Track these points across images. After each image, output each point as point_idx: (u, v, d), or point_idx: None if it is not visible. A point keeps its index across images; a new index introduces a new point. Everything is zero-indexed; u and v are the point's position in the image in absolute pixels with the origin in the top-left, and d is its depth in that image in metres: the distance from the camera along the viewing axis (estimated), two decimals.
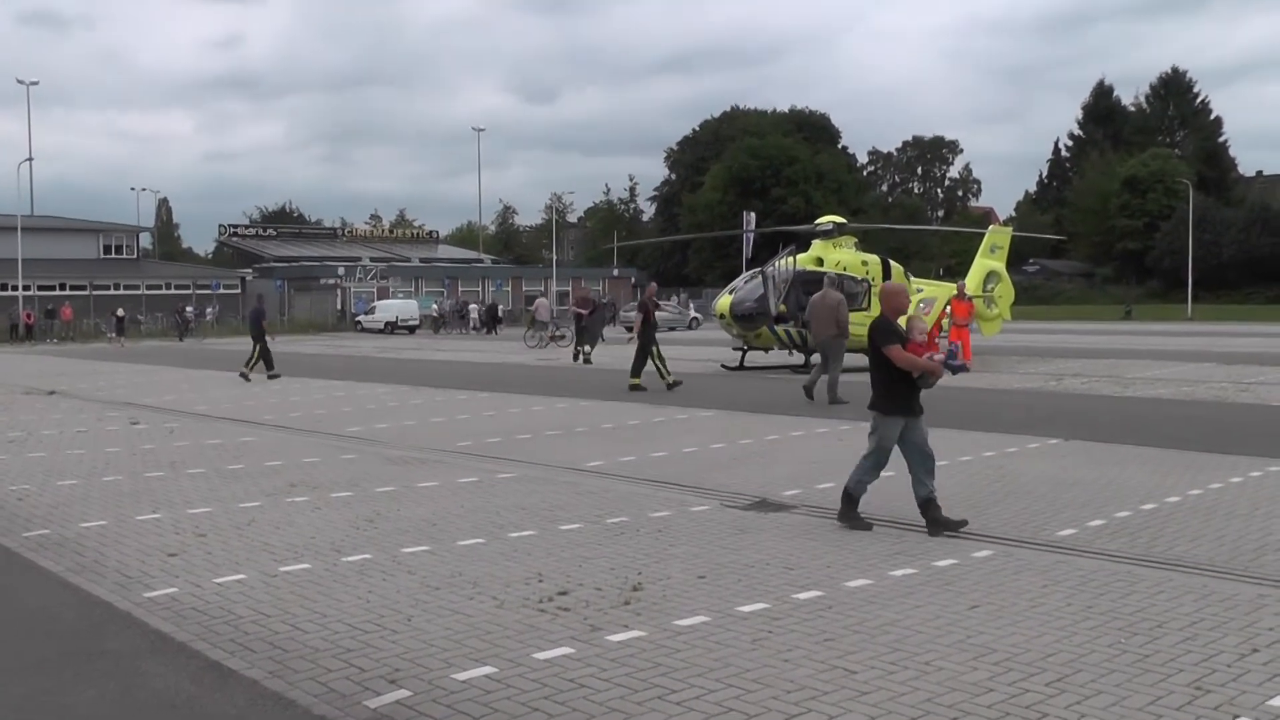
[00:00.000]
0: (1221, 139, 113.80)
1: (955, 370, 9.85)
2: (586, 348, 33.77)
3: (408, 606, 7.14)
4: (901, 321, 9.41)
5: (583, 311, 34.45)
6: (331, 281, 78.83)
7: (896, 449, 9.30)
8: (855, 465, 9.47)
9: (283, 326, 71.35)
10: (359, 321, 70.96)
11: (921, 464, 9.18)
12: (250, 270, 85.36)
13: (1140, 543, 8.72)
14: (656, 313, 33.47)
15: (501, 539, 9.06)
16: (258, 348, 28.54)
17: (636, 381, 23.23)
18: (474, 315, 67.68)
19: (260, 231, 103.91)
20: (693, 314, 70.82)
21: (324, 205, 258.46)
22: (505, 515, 10.06)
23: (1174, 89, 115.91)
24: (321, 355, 41.76)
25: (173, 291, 75.83)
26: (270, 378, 28.13)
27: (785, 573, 7.86)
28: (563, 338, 45.66)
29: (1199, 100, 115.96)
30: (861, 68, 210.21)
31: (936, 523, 9.05)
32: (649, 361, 23.47)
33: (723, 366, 29.80)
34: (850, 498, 9.34)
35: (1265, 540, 8.75)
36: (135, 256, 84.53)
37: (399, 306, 70.45)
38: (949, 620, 6.70)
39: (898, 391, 9.25)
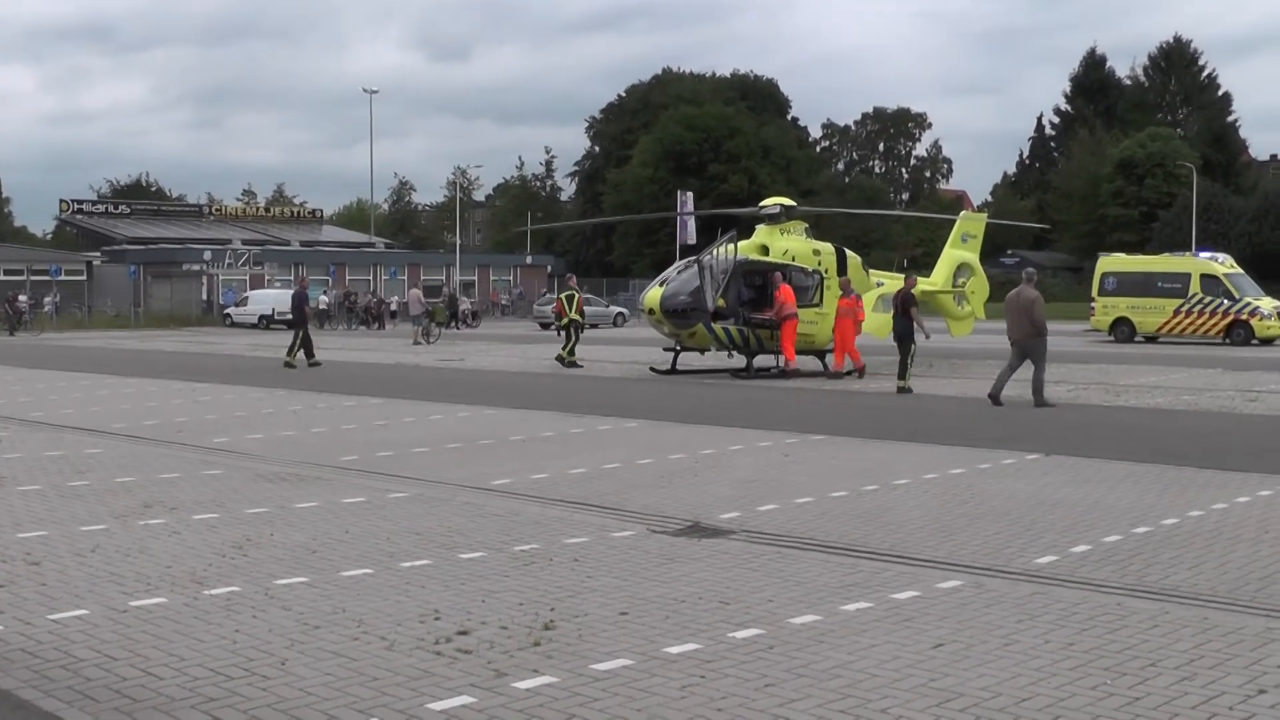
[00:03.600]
0: (1231, 118, 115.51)
1: None
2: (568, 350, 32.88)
3: (281, 648, 7.08)
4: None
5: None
6: (195, 267, 77.96)
7: None
8: None
9: (138, 320, 70.57)
10: (228, 314, 70.28)
11: None
12: (98, 253, 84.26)
13: (1132, 571, 8.85)
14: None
15: (392, 569, 9.01)
16: (299, 334, 31.19)
17: (904, 384, 23.66)
18: (417, 306, 62.00)
19: (110, 208, 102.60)
20: (618, 309, 70.66)
21: (188, 179, 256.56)
22: (397, 541, 10.01)
23: (1176, 61, 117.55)
24: (184, 353, 41.27)
25: (2, 278, 74.60)
26: (311, 365, 30.84)
27: (720, 608, 7.89)
28: (428, 335, 46.41)
29: (1205, 74, 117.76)
30: (816, 29, 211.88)
31: None
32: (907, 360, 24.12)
33: (651, 370, 29.84)
34: None
35: (1274, 567, 8.91)
36: None
37: (275, 298, 69.59)
38: (909, 661, 6.75)
39: None
